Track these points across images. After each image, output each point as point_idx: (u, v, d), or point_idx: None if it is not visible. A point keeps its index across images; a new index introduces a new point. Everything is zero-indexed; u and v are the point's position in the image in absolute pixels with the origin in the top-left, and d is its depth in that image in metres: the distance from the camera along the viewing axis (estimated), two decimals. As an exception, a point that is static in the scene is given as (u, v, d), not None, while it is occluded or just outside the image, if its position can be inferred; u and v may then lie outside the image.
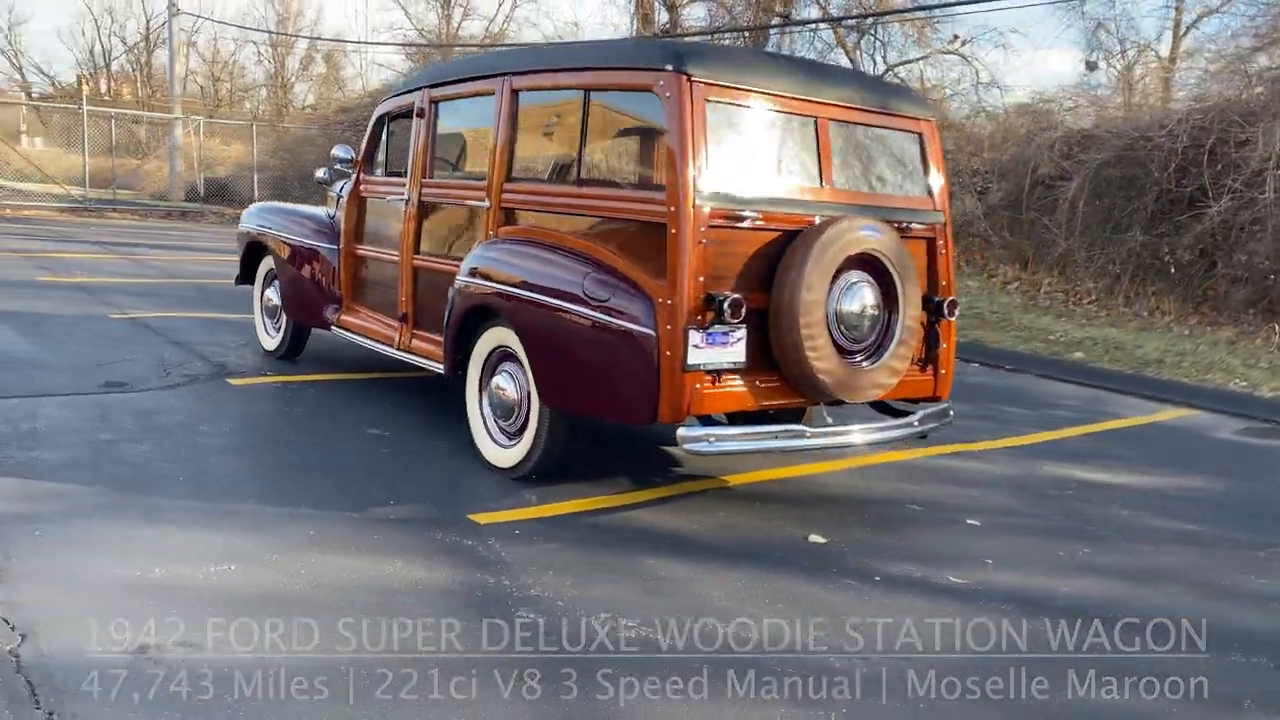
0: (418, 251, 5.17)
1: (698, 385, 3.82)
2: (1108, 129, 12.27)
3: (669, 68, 3.84)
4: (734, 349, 3.85)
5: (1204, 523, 4.58)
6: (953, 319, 4.54)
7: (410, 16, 31.83)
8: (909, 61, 19.16)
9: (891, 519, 4.36)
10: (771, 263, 3.98)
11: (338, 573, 3.35)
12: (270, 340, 6.68)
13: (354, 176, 5.90)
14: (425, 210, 5.18)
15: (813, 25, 20.10)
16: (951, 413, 4.66)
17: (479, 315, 4.54)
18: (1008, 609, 3.42)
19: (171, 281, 10.63)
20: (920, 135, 4.59)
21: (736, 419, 4.62)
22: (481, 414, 4.63)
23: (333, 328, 5.91)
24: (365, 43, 33.22)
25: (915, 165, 4.60)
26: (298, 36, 36.47)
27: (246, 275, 6.91)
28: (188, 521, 3.71)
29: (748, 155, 4.03)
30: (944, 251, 4.59)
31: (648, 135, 4.20)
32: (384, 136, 5.85)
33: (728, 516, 4.21)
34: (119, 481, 4.09)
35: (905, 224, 4.43)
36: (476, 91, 4.94)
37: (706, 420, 4.33)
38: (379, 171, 5.84)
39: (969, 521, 4.38)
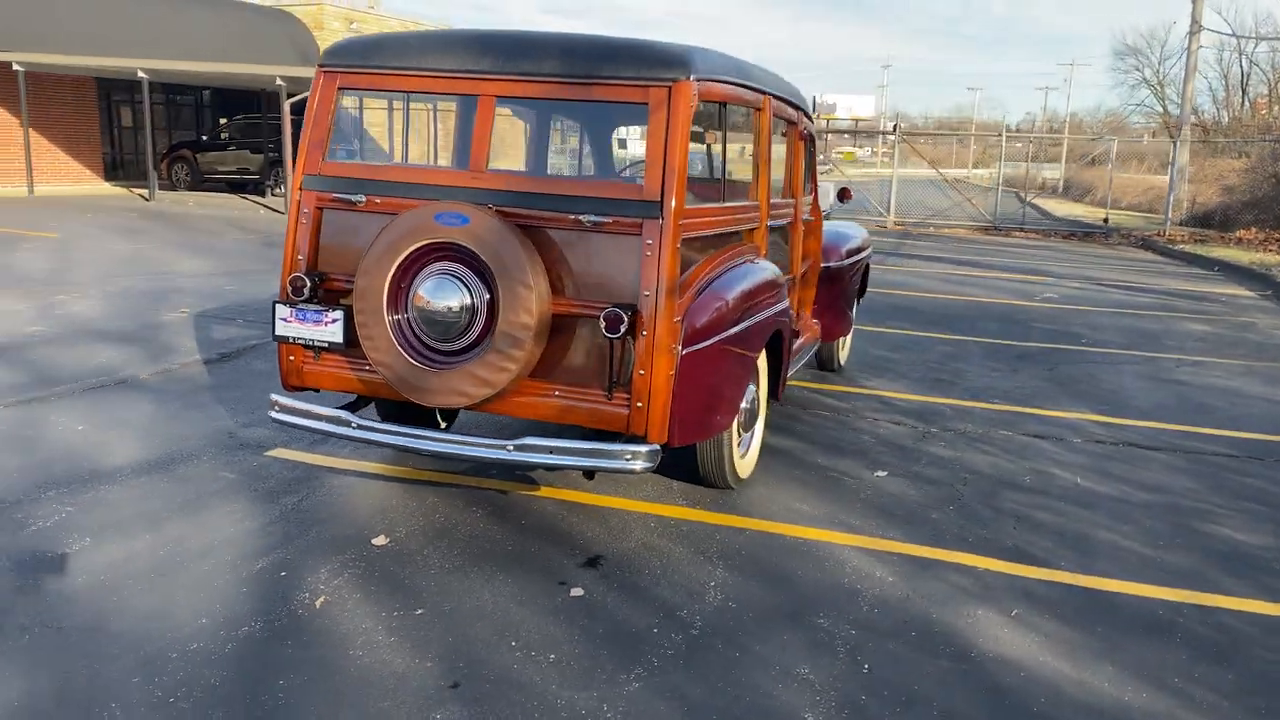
0: None
1: (291, 357, 4.07)
2: None
3: (318, 62, 4.07)
4: (329, 329, 3.94)
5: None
6: (635, 336, 3.55)
7: None
8: None
9: (526, 556, 3.72)
10: None
11: (94, 443, 4.70)
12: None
13: None
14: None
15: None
16: (628, 459, 3.56)
17: None
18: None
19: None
20: (647, 106, 3.61)
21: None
22: None
23: None
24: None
25: (634, 143, 3.61)
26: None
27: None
28: (135, 406, 5.37)
29: (380, 140, 3.96)
30: (649, 253, 3.55)
31: None
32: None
33: (386, 506, 4.15)
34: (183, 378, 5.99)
35: (579, 216, 3.62)
36: None
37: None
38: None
39: (572, 593, 3.44)
